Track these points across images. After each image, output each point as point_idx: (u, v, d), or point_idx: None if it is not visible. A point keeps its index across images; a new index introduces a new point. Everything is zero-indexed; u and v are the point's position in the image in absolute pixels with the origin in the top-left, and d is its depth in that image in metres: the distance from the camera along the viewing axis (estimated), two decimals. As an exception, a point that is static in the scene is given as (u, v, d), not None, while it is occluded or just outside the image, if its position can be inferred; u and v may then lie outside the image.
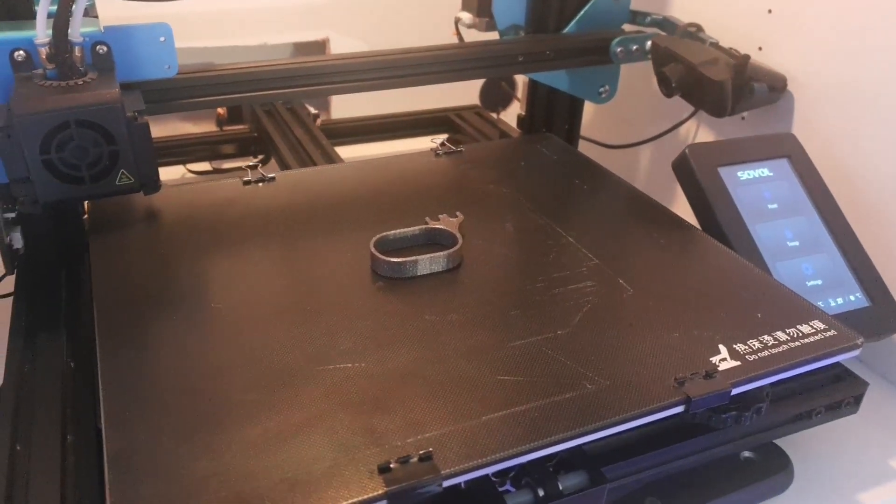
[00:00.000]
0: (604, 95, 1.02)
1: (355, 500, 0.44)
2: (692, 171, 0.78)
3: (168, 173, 1.13)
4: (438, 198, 0.78)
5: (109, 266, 0.66)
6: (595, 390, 0.53)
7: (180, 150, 1.12)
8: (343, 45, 1.27)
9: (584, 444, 0.51)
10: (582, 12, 0.96)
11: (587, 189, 0.82)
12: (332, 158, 0.97)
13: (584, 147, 1.11)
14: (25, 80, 0.66)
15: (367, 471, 0.46)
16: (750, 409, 0.59)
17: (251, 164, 1.13)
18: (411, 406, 0.51)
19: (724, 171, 0.79)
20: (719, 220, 0.76)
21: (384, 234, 0.67)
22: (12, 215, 0.74)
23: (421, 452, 0.47)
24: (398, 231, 0.68)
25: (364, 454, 0.47)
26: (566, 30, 0.96)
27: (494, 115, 1.25)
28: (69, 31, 0.65)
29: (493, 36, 0.99)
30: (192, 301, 0.61)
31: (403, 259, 0.65)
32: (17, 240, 0.74)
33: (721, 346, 0.58)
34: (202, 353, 0.56)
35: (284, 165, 0.99)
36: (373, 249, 0.65)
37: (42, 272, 0.76)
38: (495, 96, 1.26)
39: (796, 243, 0.78)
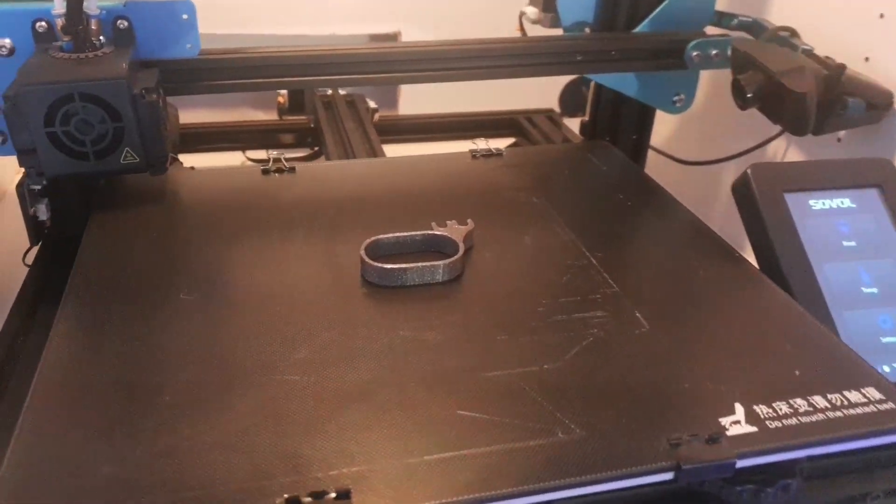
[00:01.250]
0: (678, 105, 0.92)
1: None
2: (752, 195, 0.68)
3: (226, 159, 1.13)
4: (458, 202, 0.72)
5: (98, 245, 0.64)
6: (567, 441, 0.45)
7: (238, 137, 1.11)
8: (415, 38, 1.23)
9: None
10: (657, 10, 0.86)
11: (631, 206, 0.73)
12: (376, 155, 0.93)
13: (654, 161, 1.01)
14: (42, 52, 0.65)
15: (274, 502, 0.41)
16: (774, 486, 0.49)
17: (303, 155, 1.12)
18: (349, 433, 0.45)
19: (791, 198, 0.68)
20: (777, 254, 0.66)
21: (378, 237, 0.62)
22: (38, 187, 0.74)
23: (339, 489, 0.41)
24: (393, 235, 0.63)
25: (277, 482, 0.42)
26: (637, 29, 0.87)
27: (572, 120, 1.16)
28: (84, 3, 0.63)
29: (558, 33, 0.91)
30: (163, 289, 0.58)
31: (392, 266, 0.59)
32: (43, 212, 0.74)
33: (737, 406, 0.49)
34: (151, 345, 0.52)
35: (329, 159, 0.95)
36: (362, 253, 0.60)
37: (63, 247, 0.76)
38: (575, 101, 1.18)
39: (874, 290, 0.66)
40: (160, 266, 0.61)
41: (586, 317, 0.57)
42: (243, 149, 1.13)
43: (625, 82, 0.90)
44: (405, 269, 0.59)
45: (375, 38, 1.24)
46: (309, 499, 0.40)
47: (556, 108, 1.20)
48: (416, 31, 1.23)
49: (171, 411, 0.46)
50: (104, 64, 0.63)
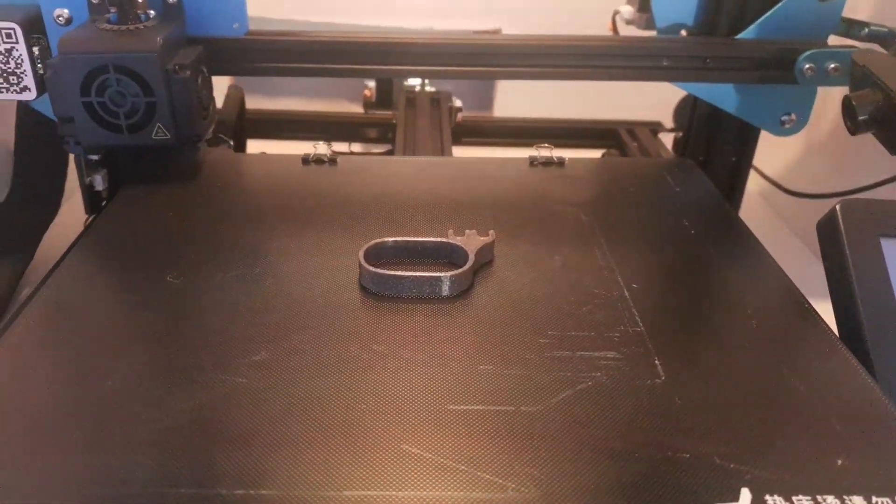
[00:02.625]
0: (787, 126, 0.80)
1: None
2: (838, 236, 0.56)
3: (309, 149, 1.12)
4: (493, 210, 0.65)
5: (113, 216, 0.63)
6: (516, 501, 0.38)
7: (323, 128, 1.10)
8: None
9: None
10: (768, 14, 0.75)
11: (694, 237, 0.63)
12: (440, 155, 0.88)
13: (761, 188, 0.89)
14: (91, 23, 0.66)
15: (164, 510, 0.37)
16: None
17: (381, 151, 1.09)
18: (273, 451, 0.40)
19: (888, 244, 0.56)
20: (861, 313, 0.54)
21: (380, 240, 0.57)
22: (96, 157, 0.76)
23: (235, 513, 0.37)
24: (396, 239, 0.57)
25: (178, 492, 0.38)
26: (742, 34, 0.76)
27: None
28: (130, -25, 0.63)
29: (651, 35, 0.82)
30: (156, 267, 0.56)
31: (387, 272, 0.53)
32: (99, 182, 0.75)
33: (744, 492, 0.39)
34: (119, 326, 0.50)
35: (401, 154, 0.91)
36: (361, 256, 0.55)
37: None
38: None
39: (985, 371, 0.52)
40: (160, 245, 0.59)
41: (594, 356, 0.49)
42: (328, 140, 1.12)
43: (723, 95, 0.79)
44: (401, 278, 0.53)
45: (477, 34, 1.19)
46: None
47: (667, 122, 1.10)
48: (515, 29, 1.16)
49: (109, 398, 0.44)
50: (140, 37, 0.63)
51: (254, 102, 1.19)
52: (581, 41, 0.73)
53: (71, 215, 0.82)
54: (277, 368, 0.46)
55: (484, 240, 0.58)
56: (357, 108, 1.21)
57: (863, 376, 0.48)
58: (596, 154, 1.10)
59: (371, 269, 0.54)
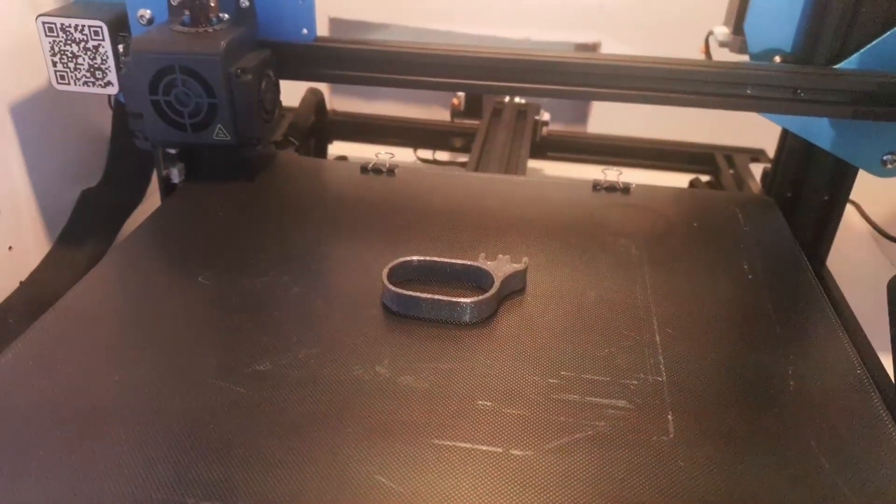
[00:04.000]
0: (890, 166, 0.72)
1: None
2: (909, 299, 0.50)
3: (398, 154, 1.13)
4: (538, 236, 0.63)
5: (167, 211, 0.66)
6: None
7: (410, 134, 1.10)
8: (616, 51, 1.12)
9: None
10: (873, 43, 0.68)
11: (750, 283, 0.58)
12: (509, 171, 0.86)
13: (870, 229, 0.80)
14: (166, 24, 0.69)
15: (128, 516, 0.37)
16: None
17: (464, 161, 1.07)
18: (250, 466, 0.40)
19: (968, 315, 0.49)
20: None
21: (407, 258, 0.56)
22: (173, 151, 0.79)
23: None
24: (424, 259, 0.56)
25: (151, 496, 0.38)
26: (841, 64, 0.69)
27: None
28: (204, -21, 0.65)
29: (745, 59, 0.76)
30: (192, 267, 0.58)
31: (407, 292, 0.52)
32: (175, 175, 0.79)
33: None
34: (137, 321, 0.52)
35: (474, 165, 0.90)
36: (385, 274, 0.54)
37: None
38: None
39: None
40: (202, 245, 0.61)
41: (602, 404, 0.45)
42: (415, 147, 1.12)
43: (817, 129, 0.72)
44: (420, 300, 0.52)
45: (579, 47, 1.15)
46: None
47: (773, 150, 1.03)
48: (617, 45, 1.12)
49: (111, 394, 0.45)
50: (206, 40, 0.65)
51: (348, 104, 1.22)
52: (656, 63, 0.69)
53: (153, 205, 0.86)
54: (277, 382, 0.46)
55: (515, 267, 0.55)
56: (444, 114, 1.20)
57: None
58: (686, 179, 1.04)
59: (392, 288, 0.53)
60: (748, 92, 0.69)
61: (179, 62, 0.64)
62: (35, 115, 0.78)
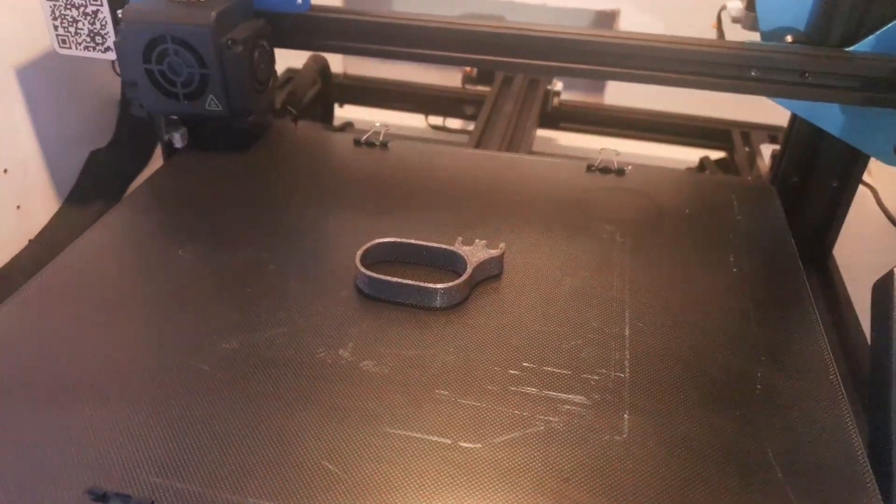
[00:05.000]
0: (901, 154, 0.69)
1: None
2: (889, 301, 0.48)
3: (408, 120, 1.12)
4: (523, 218, 0.62)
5: (156, 184, 0.67)
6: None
7: (420, 100, 1.09)
8: (635, 20, 1.08)
9: None
10: (890, 25, 0.64)
11: (735, 277, 0.57)
12: (514, 144, 0.85)
13: (869, 215, 0.78)
14: (173, -6, 0.68)
15: (82, 490, 0.39)
16: None
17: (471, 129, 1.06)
18: (192, 447, 0.41)
19: (950, 323, 0.47)
20: (892, 389, 0.46)
21: (380, 240, 0.55)
22: (175, 116, 0.80)
23: (141, 499, 0.38)
24: (397, 241, 0.56)
25: (96, 473, 0.40)
26: (854, 47, 0.66)
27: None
28: (196, -52, 0.65)
29: (757, 37, 0.73)
30: (173, 239, 0.59)
31: (378, 276, 0.52)
32: (178, 139, 0.79)
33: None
34: (111, 294, 0.53)
35: (474, 138, 0.89)
36: (358, 256, 0.54)
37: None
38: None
39: None
40: (187, 216, 0.62)
41: (560, 398, 0.45)
42: (426, 113, 1.11)
43: (826, 114, 0.69)
44: (391, 284, 0.52)
45: (591, 15, 1.12)
46: (114, 499, 0.38)
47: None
48: (635, 11, 1.08)
49: (77, 370, 0.46)
50: (198, 10, 0.64)
51: (362, 67, 1.20)
52: (650, 41, 0.66)
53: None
54: (241, 361, 0.47)
55: (490, 252, 0.55)
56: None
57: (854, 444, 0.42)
58: (700, 154, 1.01)
59: (364, 270, 0.53)
60: (752, 74, 0.66)
61: (170, 32, 0.64)
62: (44, 77, 0.79)
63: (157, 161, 0.91)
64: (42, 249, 0.81)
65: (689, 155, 1.03)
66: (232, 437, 0.42)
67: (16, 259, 0.78)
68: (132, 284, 0.54)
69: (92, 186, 0.88)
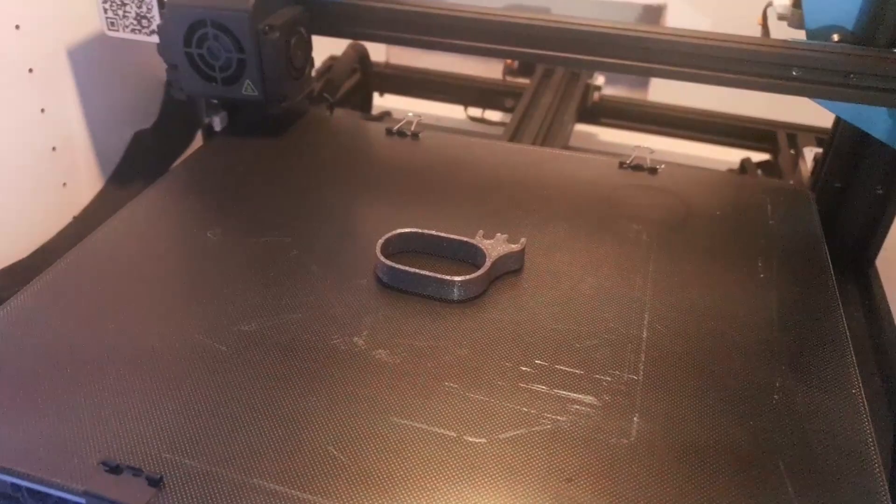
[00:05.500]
0: (952, 163, 0.66)
1: (60, 482, 0.39)
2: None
3: (448, 111, 1.12)
4: (550, 213, 0.62)
5: (191, 167, 0.68)
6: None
7: (461, 91, 1.08)
8: (682, 15, 1.06)
9: None
10: (944, 27, 0.62)
11: (760, 283, 0.55)
12: (551, 138, 0.84)
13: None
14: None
15: (97, 461, 0.40)
16: None
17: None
18: (214, 433, 0.42)
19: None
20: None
21: (401, 230, 0.56)
22: (214, 100, 0.81)
23: (151, 473, 0.39)
24: (417, 231, 0.56)
25: (111, 446, 0.41)
26: (904, 48, 0.64)
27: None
28: (240, -66, 0.66)
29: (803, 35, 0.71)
30: (203, 221, 0.60)
31: (398, 266, 0.53)
32: (217, 123, 0.81)
33: None
34: (138, 272, 0.55)
35: (510, 131, 0.89)
36: (379, 245, 0.55)
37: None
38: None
39: None
40: (217, 199, 0.63)
41: (570, 398, 0.45)
42: (465, 104, 1.11)
43: (871, 117, 0.67)
44: (410, 274, 0.52)
45: (640, 8, 1.09)
46: (126, 471, 0.39)
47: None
48: (682, 4, 1.06)
49: (102, 344, 0.48)
50: (241, -4, 0.65)
51: (405, 57, 1.20)
52: (684, 38, 0.65)
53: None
54: (257, 343, 0.48)
55: (511, 247, 0.55)
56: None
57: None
58: (743, 156, 0.99)
59: (383, 260, 0.53)
60: (793, 74, 0.65)
61: (211, 17, 0.65)
62: (93, 59, 0.82)
63: (197, 143, 0.93)
64: (84, 227, 0.83)
65: (732, 156, 1.00)
66: (242, 418, 0.43)
67: (59, 235, 0.81)
68: (159, 265, 0.56)
69: (134, 166, 0.90)
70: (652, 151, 0.70)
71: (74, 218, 0.84)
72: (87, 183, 0.86)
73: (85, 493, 0.39)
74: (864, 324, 0.69)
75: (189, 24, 0.66)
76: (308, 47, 0.73)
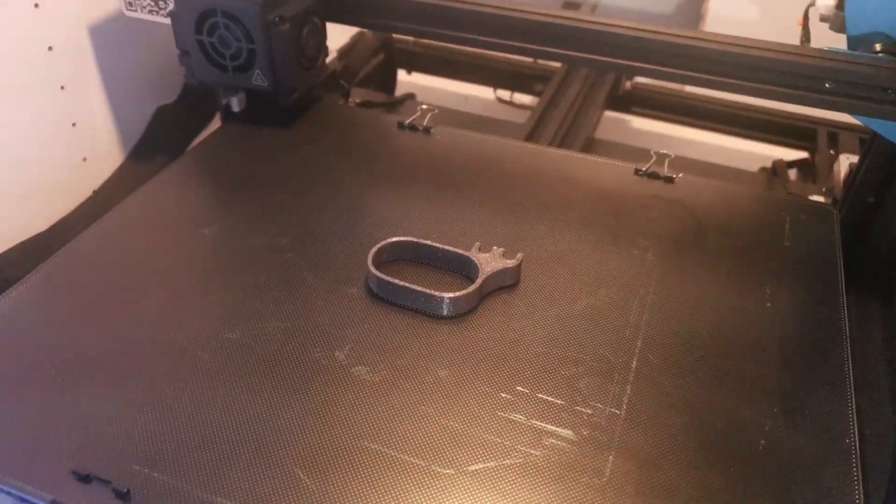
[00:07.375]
0: None
1: (28, 487, 0.40)
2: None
3: (477, 92, 1.09)
4: (554, 224, 0.60)
5: (197, 157, 0.68)
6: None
7: (490, 73, 1.05)
8: (726, 5, 1.00)
9: None
10: None
11: (766, 312, 0.53)
12: (577, 127, 0.81)
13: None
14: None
15: (68, 469, 0.41)
16: None
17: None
18: (185, 447, 0.43)
19: None
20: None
21: (394, 239, 0.55)
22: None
23: (118, 486, 0.40)
24: (408, 240, 0.55)
25: (83, 455, 0.42)
26: (950, 63, 0.59)
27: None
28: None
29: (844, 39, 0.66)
30: (200, 217, 0.60)
31: (388, 278, 0.52)
32: (235, 104, 0.80)
33: None
34: (129, 269, 0.55)
35: (538, 115, 0.86)
36: (371, 255, 0.54)
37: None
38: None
39: None
40: (218, 193, 0.63)
41: (546, 430, 0.44)
42: (494, 86, 1.08)
43: (908, 133, 0.63)
44: (399, 288, 0.51)
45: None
46: (96, 481, 0.40)
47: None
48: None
49: (86, 348, 0.48)
50: (250, -15, 0.64)
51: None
52: (706, 42, 0.61)
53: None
54: (239, 353, 0.48)
55: (506, 262, 0.53)
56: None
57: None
58: (779, 153, 0.95)
59: (374, 271, 0.52)
60: (826, 86, 0.61)
61: (221, 6, 0.64)
62: (114, 36, 0.82)
63: (218, 120, 0.93)
64: (103, 202, 0.84)
65: (768, 151, 0.96)
66: (213, 432, 0.43)
67: (79, 209, 0.82)
68: (153, 266, 0.56)
69: (155, 142, 0.90)
70: (671, 156, 0.67)
71: (94, 192, 0.85)
72: (107, 158, 0.87)
73: (52, 503, 0.39)
74: (880, 347, 0.66)
75: (200, 12, 0.65)
76: (322, 37, 0.71)
